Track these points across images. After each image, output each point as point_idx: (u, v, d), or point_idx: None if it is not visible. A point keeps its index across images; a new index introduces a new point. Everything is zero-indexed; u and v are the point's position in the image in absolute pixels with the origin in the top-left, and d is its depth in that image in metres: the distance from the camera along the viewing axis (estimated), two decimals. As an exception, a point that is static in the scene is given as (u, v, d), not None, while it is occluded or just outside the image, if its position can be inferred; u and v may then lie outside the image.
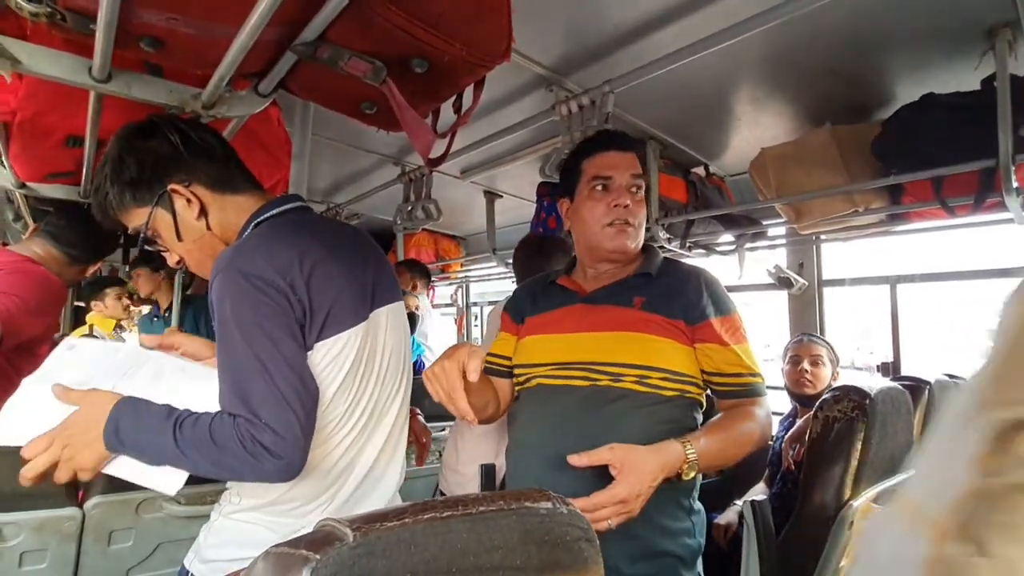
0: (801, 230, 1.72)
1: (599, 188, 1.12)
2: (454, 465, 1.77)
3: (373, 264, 0.97)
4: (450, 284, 3.60)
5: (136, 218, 0.91)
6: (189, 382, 0.87)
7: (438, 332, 3.20)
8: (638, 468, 0.84)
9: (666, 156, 1.94)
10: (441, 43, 0.81)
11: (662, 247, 1.92)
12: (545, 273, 1.27)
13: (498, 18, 0.84)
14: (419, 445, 1.70)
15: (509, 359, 1.19)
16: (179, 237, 0.91)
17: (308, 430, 0.79)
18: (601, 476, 0.87)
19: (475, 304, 3.87)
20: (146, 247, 0.93)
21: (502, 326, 1.25)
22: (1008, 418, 0.31)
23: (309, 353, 0.83)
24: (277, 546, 0.40)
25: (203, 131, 0.93)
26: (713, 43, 1.23)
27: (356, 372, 0.88)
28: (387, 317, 0.96)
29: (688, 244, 1.95)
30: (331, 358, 0.85)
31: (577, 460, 0.86)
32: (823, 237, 1.90)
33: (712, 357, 1.04)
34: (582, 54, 1.43)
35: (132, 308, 3.23)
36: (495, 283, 3.61)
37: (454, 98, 1.02)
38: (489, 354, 1.20)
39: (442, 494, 2.14)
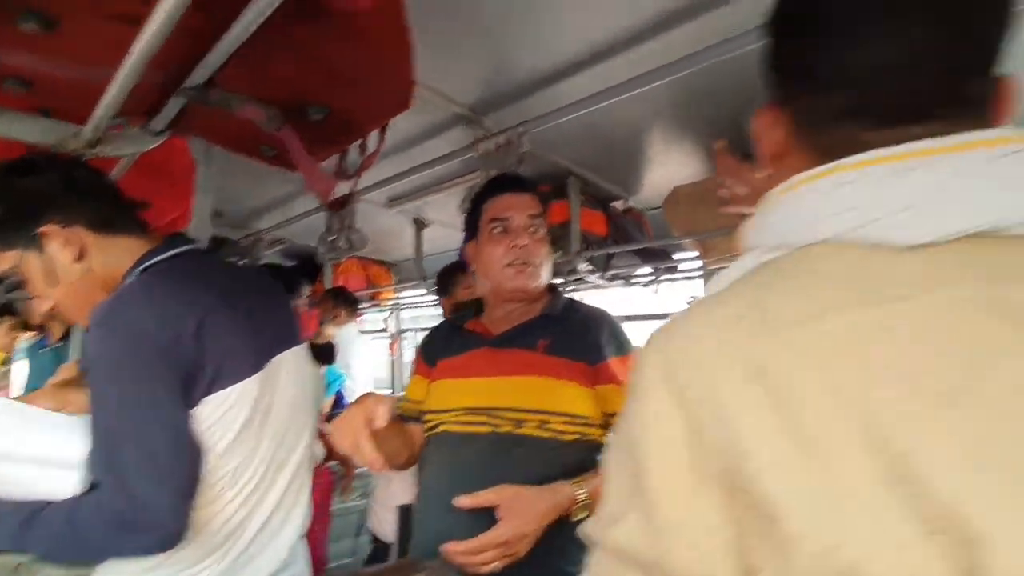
0: (708, 265, 1.82)
1: (498, 230, 1.14)
2: (385, 501, 1.74)
3: (272, 309, 0.94)
4: (381, 311, 3.54)
5: (2, 262, 0.84)
6: (38, 432, 0.80)
7: (369, 359, 3.12)
8: (524, 509, 0.85)
9: (587, 191, 2.01)
10: (339, 93, 0.82)
11: (582, 279, 1.97)
12: (455, 315, 1.28)
13: (399, 69, 0.85)
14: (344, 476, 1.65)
15: (422, 403, 1.17)
16: (52, 282, 0.84)
17: (187, 495, 0.74)
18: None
19: (408, 330, 3.81)
20: (9, 294, 0.86)
21: (416, 369, 1.24)
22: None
23: (196, 409, 0.79)
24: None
25: (85, 169, 0.88)
26: (621, 91, 1.28)
27: (250, 426, 0.84)
28: (286, 364, 0.93)
29: (609, 276, 2.01)
30: (221, 413, 0.81)
31: (463, 502, 0.87)
32: (732, 270, 2.01)
33: (611, 399, 1.06)
34: (498, 96, 1.47)
35: (19, 338, 2.93)
36: (428, 309, 3.57)
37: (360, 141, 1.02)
38: (403, 398, 1.19)
39: (369, 529, 2.08)
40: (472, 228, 1.20)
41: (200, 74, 0.78)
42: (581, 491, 0.91)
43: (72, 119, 0.93)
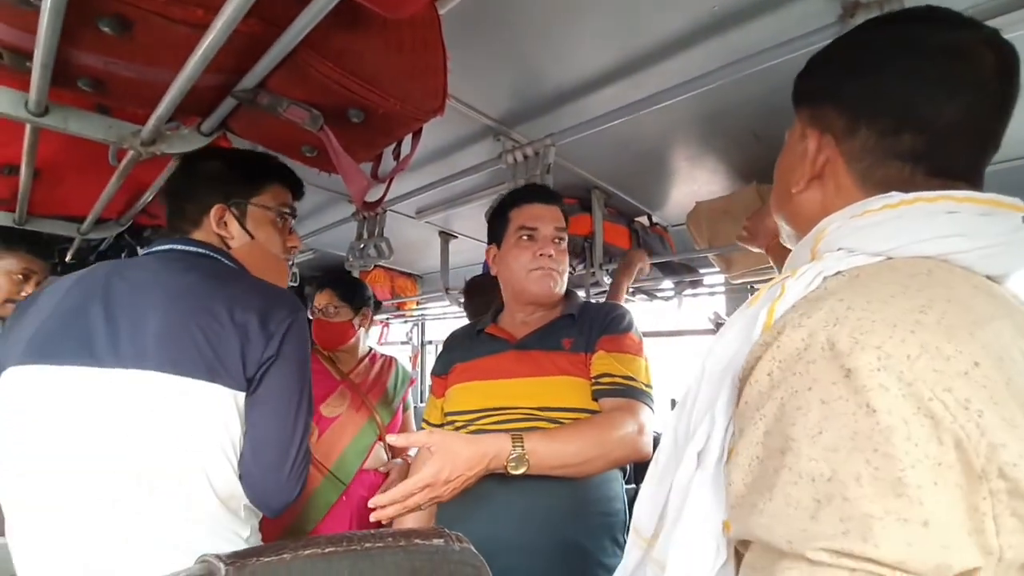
0: (731, 279, 1.82)
1: (525, 238, 1.18)
2: None
3: (153, 320, 0.86)
4: (406, 322, 3.58)
5: None
6: None
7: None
8: (450, 455, 0.84)
9: (611, 205, 2.04)
10: (376, 97, 0.87)
11: (607, 291, 1.99)
12: (472, 323, 1.32)
13: (433, 77, 0.90)
14: None
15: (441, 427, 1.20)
16: None
17: None
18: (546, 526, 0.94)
19: (431, 343, 3.86)
20: None
21: (433, 389, 1.27)
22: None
23: None
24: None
25: None
26: (645, 105, 1.32)
27: None
28: (122, 384, 0.81)
29: (631, 289, 2.02)
30: None
31: (395, 440, 0.87)
32: (756, 287, 2.00)
33: (595, 364, 1.09)
34: (526, 109, 1.51)
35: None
36: (451, 322, 3.61)
37: (394, 145, 1.07)
38: (424, 421, 1.23)
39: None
40: (496, 234, 1.24)
41: (252, 78, 0.84)
42: (518, 444, 0.88)
43: (128, 117, 1.00)
